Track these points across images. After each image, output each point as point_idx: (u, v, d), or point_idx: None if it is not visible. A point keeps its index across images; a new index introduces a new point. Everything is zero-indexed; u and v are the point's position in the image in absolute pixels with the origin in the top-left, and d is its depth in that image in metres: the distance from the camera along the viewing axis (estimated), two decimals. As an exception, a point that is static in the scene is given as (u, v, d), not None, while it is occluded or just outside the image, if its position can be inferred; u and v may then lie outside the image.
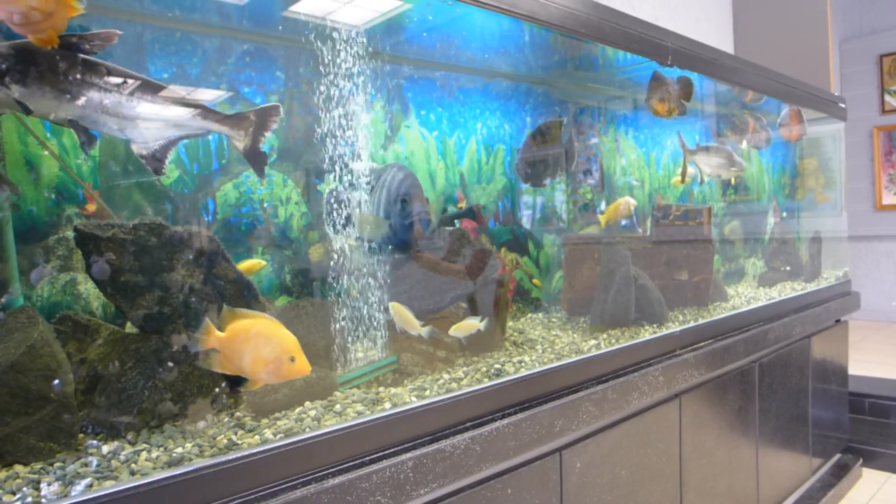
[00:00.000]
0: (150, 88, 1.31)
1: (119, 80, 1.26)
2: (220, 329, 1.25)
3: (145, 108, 1.31)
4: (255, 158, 1.45)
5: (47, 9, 1.07)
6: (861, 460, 3.82)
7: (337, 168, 1.81)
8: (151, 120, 1.32)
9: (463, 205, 2.54)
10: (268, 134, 1.45)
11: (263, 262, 1.90)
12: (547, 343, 2.15)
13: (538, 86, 2.88)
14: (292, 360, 1.26)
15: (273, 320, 1.29)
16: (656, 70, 2.57)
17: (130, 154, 1.66)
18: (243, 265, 1.83)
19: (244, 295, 1.48)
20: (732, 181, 3.68)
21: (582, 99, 3.07)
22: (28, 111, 1.17)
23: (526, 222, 2.83)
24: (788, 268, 3.87)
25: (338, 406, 1.43)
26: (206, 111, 1.39)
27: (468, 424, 1.52)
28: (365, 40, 1.80)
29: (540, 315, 2.70)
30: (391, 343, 1.85)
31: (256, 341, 1.25)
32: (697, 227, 2.99)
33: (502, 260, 2.66)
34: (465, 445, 1.45)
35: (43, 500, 1.00)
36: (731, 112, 3.72)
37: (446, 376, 1.70)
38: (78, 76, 1.20)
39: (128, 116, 1.28)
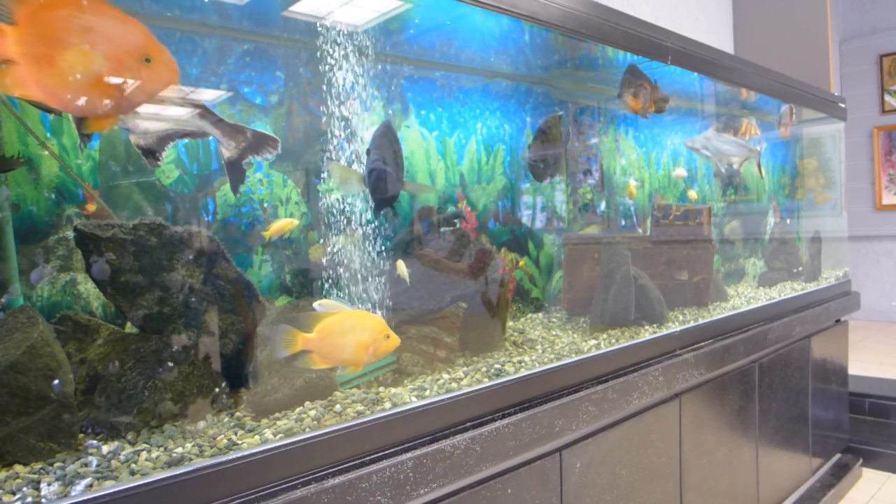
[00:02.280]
0: None
1: None
2: (307, 331, 1.35)
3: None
4: (235, 172, 1.45)
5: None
6: (861, 460, 3.82)
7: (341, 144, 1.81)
8: (151, 112, 1.30)
9: (463, 205, 2.53)
10: (257, 158, 1.47)
11: (296, 222, 1.88)
12: (547, 343, 2.15)
13: (538, 86, 2.88)
14: (387, 337, 1.44)
15: (356, 310, 1.49)
16: (632, 64, 2.50)
17: (130, 154, 1.66)
18: (276, 224, 1.82)
19: (244, 295, 1.48)
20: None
21: (582, 99, 3.07)
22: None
23: (526, 222, 2.83)
24: (800, 268, 3.87)
25: (338, 406, 1.43)
26: (206, 112, 1.38)
27: (468, 424, 1.52)
28: (364, 40, 1.80)
29: (540, 315, 2.70)
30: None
31: (354, 332, 1.40)
32: (697, 227, 2.99)
33: (503, 260, 2.66)
34: (465, 445, 1.45)
35: (43, 500, 1.00)
36: (731, 112, 3.72)
37: (446, 376, 1.70)
38: None
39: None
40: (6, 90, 1.07)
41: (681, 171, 3.51)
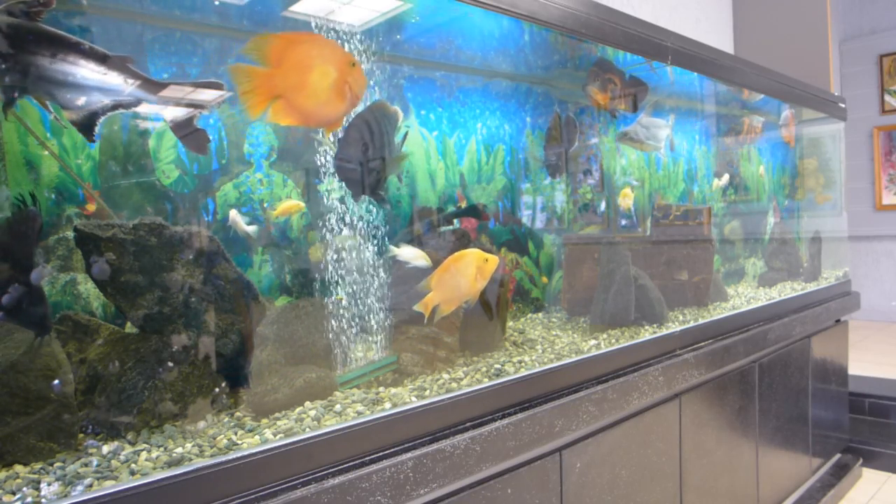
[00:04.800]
0: (85, 54, 1.21)
1: (52, 44, 1.17)
2: (428, 289, 1.59)
3: (78, 73, 1.22)
4: (191, 135, 1.37)
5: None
6: (861, 460, 3.82)
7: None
8: (83, 86, 1.23)
9: (463, 204, 2.53)
10: (204, 112, 1.40)
11: (303, 206, 1.88)
12: (547, 343, 2.15)
13: (538, 86, 2.88)
14: (486, 261, 1.66)
15: (454, 254, 1.68)
16: (602, 56, 2.39)
17: (130, 154, 1.66)
18: (283, 205, 1.82)
19: (244, 294, 1.48)
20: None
21: (582, 99, 3.07)
22: None
23: (526, 221, 2.83)
24: (802, 268, 3.84)
25: (338, 406, 1.43)
26: (142, 80, 1.28)
27: (468, 424, 1.52)
28: (365, 40, 1.80)
29: (540, 315, 2.70)
30: (391, 343, 1.85)
31: (462, 271, 1.64)
32: (697, 227, 2.99)
33: (503, 260, 2.66)
34: (465, 445, 1.45)
35: (43, 500, 1.00)
36: (732, 112, 3.72)
37: (446, 376, 1.70)
38: (13, 44, 1.13)
39: (58, 82, 1.19)
40: (276, 120, 1.33)
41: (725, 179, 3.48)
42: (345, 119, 1.46)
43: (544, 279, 2.76)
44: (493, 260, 1.69)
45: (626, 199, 3.02)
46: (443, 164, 2.47)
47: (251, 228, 1.74)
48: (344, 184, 1.68)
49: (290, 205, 1.84)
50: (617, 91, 2.42)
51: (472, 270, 1.65)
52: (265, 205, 1.94)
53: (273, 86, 1.27)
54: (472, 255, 1.67)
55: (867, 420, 4.02)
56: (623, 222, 3.19)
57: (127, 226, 1.32)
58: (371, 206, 1.89)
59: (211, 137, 1.73)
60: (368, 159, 1.58)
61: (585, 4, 2.02)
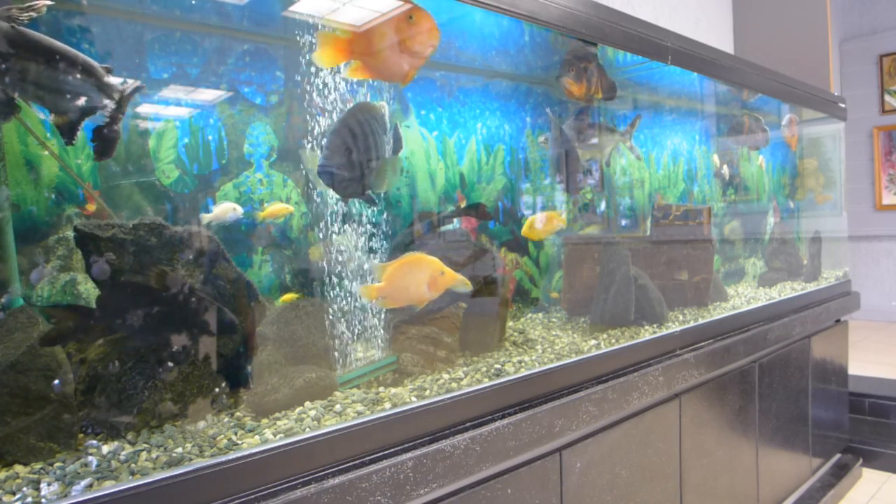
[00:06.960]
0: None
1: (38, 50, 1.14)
2: (377, 280, 1.58)
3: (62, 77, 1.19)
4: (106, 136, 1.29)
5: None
6: (861, 460, 3.82)
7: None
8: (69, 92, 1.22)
9: (463, 204, 2.53)
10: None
11: (292, 209, 1.88)
12: (547, 343, 2.15)
13: (538, 86, 2.88)
14: (442, 273, 1.61)
15: (413, 254, 1.65)
16: (576, 43, 2.23)
17: (130, 154, 1.66)
18: (270, 208, 1.82)
19: (244, 294, 1.48)
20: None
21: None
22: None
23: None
24: (805, 264, 3.84)
25: (338, 406, 1.43)
26: (103, 84, 1.23)
27: (468, 424, 1.52)
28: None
29: (540, 315, 2.70)
30: (391, 343, 1.85)
31: (412, 273, 1.60)
32: (697, 227, 2.99)
33: (502, 260, 2.66)
34: (465, 445, 1.45)
35: (43, 500, 1.00)
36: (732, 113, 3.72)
37: (446, 376, 1.70)
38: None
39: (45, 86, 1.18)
40: (353, 76, 1.57)
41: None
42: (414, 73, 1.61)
43: (554, 294, 2.75)
44: (450, 276, 1.63)
45: (534, 231, 2.49)
46: (443, 164, 2.47)
47: (221, 209, 1.73)
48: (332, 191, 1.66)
49: (278, 208, 1.84)
50: (594, 80, 2.27)
51: (423, 278, 1.60)
52: (265, 204, 1.94)
53: (350, 49, 1.52)
54: (428, 263, 1.61)
55: (867, 420, 4.02)
56: (624, 222, 3.19)
57: (127, 226, 1.32)
58: (364, 207, 1.88)
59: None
60: (354, 164, 1.56)
61: (585, 4, 2.02)
